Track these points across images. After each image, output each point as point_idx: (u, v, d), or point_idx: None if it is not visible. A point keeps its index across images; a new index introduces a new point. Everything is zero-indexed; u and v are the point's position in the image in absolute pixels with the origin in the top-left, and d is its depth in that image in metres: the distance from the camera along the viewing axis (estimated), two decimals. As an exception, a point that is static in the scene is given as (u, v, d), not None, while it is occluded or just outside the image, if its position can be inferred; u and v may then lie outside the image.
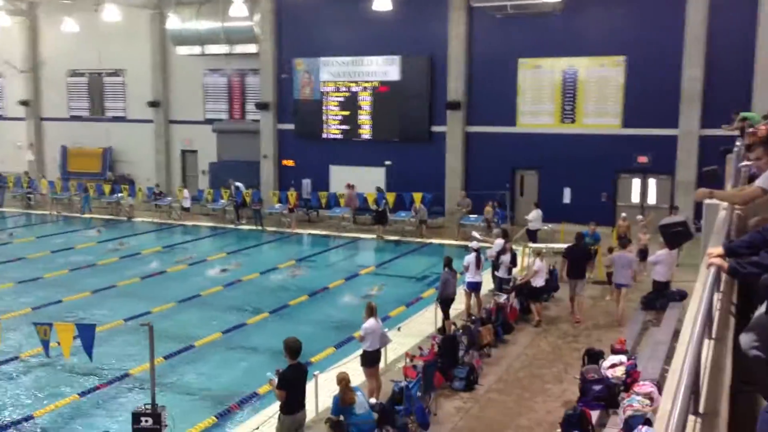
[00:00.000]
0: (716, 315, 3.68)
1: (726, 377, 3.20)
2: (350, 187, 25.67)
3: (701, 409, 2.74)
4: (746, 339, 3.58)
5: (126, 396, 11.90)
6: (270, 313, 16.06)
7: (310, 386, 9.61)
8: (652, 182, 23.39)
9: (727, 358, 3.34)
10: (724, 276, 3.97)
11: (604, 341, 12.99)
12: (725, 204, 6.00)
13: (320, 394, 10.28)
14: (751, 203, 5.62)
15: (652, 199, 23.34)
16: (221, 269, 20.42)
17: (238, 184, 26.98)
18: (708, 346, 3.07)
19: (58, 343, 9.28)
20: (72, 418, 11.20)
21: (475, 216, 23.59)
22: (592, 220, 18.85)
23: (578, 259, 15.49)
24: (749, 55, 20.88)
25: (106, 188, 29.33)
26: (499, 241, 16.25)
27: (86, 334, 8.88)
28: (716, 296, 3.76)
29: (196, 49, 29.20)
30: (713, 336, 3.48)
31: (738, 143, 9.83)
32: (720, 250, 3.68)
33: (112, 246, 23.15)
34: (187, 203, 27.38)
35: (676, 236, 6.52)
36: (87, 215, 28.44)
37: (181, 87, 31.04)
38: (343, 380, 9.62)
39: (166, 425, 8.70)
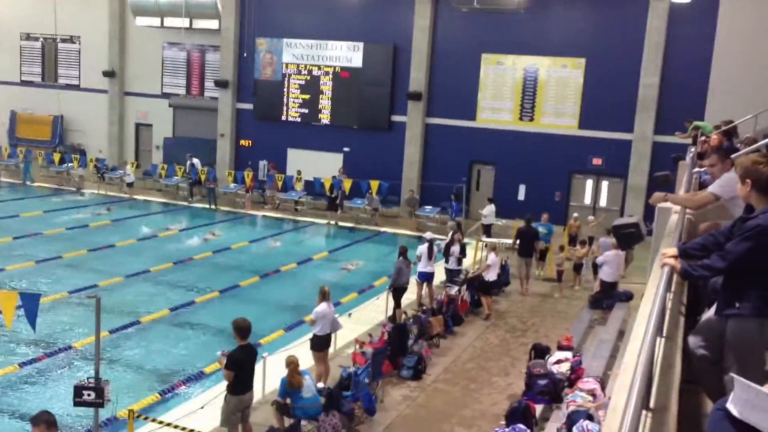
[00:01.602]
0: (667, 314, 3.78)
1: (675, 375, 3.30)
2: (273, 166, 26.11)
3: (652, 405, 2.82)
4: (694, 340, 3.70)
5: (69, 369, 11.68)
6: (220, 293, 15.92)
7: (258, 368, 9.57)
8: (604, 184, 23.84)
9: (677, 356, 3.45)
10: (675, 277, 4.09)
11: (551, 337, 13.24)
12: (677, 208, 6.16)
13: (268, 376, 10.24)
14: (703, 208, 5.79)
15: (603, 201, 23.80)
16: (203, 238, 20.61)
17: (195, 160, 26.62)
18: (659, 344, 3.16)
19: (0, 312, 9.04)
20: (12, 388, 10.94)
21: (431, 207, 23.74)
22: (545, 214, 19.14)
23: (528, 239, 17.45)
24: (705, 66, 21.40)
25: (56, 157, 28.58)
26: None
27: (30, 303, 8.65)
28: (668, 296, 3.87)
29: (156, 21, 28.59)
30: (664, 334, 3.58)
31: (691, 151, 10.09)
32: (674, 251, 3.79)
33: (59, 217, 22.60)
34: (130, 179, 26.75)
35: (628, 237, 6.68)
36: (30, 183, 27.62)
37: (138, 59, 30.37)
38: (291, 363, 9.62)
39: (108, 400, 8.56)
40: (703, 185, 7.59)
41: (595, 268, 16.21)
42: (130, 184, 26.69)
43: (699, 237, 4.12)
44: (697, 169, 7.94)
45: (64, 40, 31.66)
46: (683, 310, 4.17)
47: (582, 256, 17.45)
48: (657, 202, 6.37)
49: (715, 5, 21.02)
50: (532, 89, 24.04)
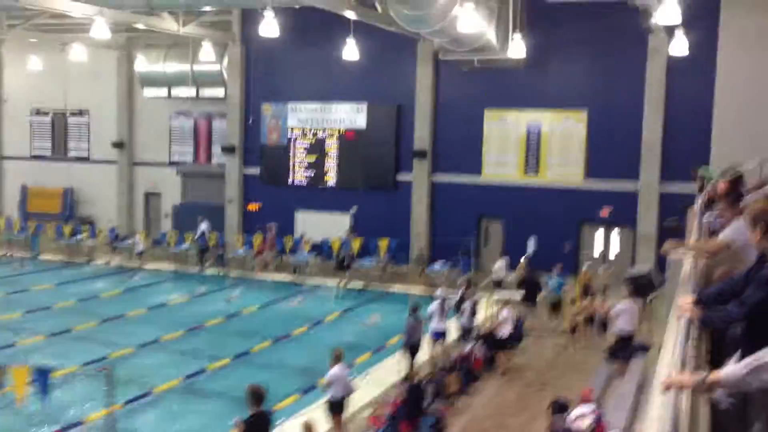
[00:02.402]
0: (689, 365, 3.72)
1: (702, 428, 3.22)
2: (270, 229, 25.91)
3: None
4: (718, 392, 3.62)
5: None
6: (232, 359, 15.79)
7: (273, 435, 9.42)
8: (614, 234, 23.76)
9: (703, 408, 3.37)
10: (693, 326, 4.03)
11: (570, 390, 12.99)
12: (689, 256, 6.13)
13: (284, 443, 10.07)
14: (717, 255, 5.75)
15: (615, 250, 23.67)
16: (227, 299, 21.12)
17: (205, 224, 26.76)
18: (684, 396, 3.09)
19: (13, 387, 8.98)
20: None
21: (441, 263, 23.67)
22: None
23: (531, 286, 18.24)
24: (707, 113, 21.55)
25: (66, 229, 28.78)
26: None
27: (42, 377, 8.61)
28: (688, 345, 3.81)
29: (163, 92, 29.14)
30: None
31: (699, 199, 10.10)
32: (691, 298, 3.75)
33: (70, 290, 22.62)
34: (139, 248, 26.83)
35: (642, 287, 6.64)
36: (36, 256, 27.70)
37: (146, 129, 30.86)
38: (308, 428, 9.48)
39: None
40: (715, 233, 7.56)
41: (604, 324, 16.21)
42: (140, 254, 26.77)
43: (715, 284, 4.08)
44: (706, 218, 7.92)
45: (73, 114, 32.24)
46: (705, 359, 4.10)
47: (594, 310, 17.11)
48: (668, 252, 6.35)
49: (713, 55, 21.28)
50: (536, 143, 24.23)
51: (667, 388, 2.65)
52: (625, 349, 14.57)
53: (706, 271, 6.00)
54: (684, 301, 3.68)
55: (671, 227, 11.64)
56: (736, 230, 5.12)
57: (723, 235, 5.59)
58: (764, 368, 2.37)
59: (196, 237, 26.52)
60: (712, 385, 2.59)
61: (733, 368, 2.52)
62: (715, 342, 4.23)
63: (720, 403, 3.46)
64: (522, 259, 20.31)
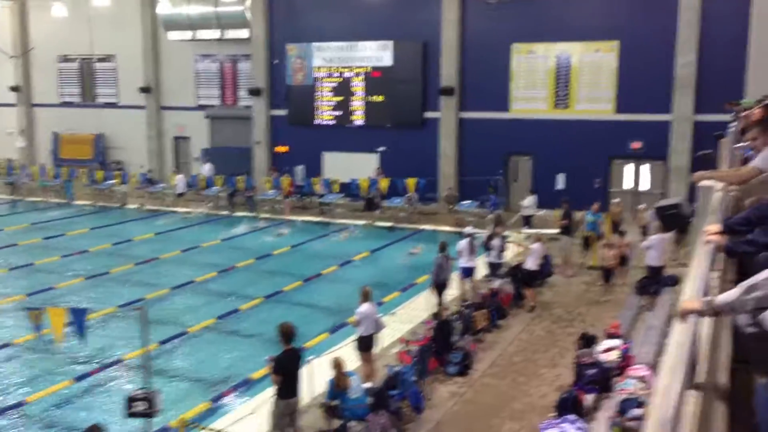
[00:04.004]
0: (715, 292, 3.67)
1: (723, 353, 3.19)
2: (275, 170, 26.70)
3: (699, 384, 2.73)
4: (742, 317, 3.57)
5: (119, 381, 11.88)
6: (264, 299, 16.05)
7: (305, 371, 9.61)
8: (645, 168, 23.39)
9: (724, 334, 3.34)
10: (721, 254, 3.96)
11: (597, 326, 13.01)
12: (720, 185, 5.99)
13: (315, 379, 10.27)
14: (747, 183, 5.61)
15: (645, 184, 23.33)
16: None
17: (207, 165, 27.61)
18: (705, 323, 3.06)
19: (51, 329, 9.24)
20: (65, 403, 11.18)
21: (469, 201, 23.59)
22: (587, 204, 18.85)
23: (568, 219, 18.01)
24: (742, 41, 20.83)
25: (99, 175, 29.15)
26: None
27: (78, 318, 8.83)
28: (714, 274, 3.75)
29: (188, 35, 28.98)
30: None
31: (731, 126, 9.82)
32: (717, 227, 3.67)
33: (105, 233, 23.03)
34: (181, 188, 27.27)
35: (671, 218, 6.51)
36: (71, 201, 28.20)
37: (172, 73, 30.82)
38: (337, 365, 9.64)
39: (160, 410, 8.69)
40: (747, 161, 7.36)
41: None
42: (180, 194, 27.14)
43: (743, 212, 3.98)
44: (738, 145, 7.71)
45: (100, 60, 32.28)
46: (731, 287, 4.03)
47: (622, 251, 16.84)
48: (699, 181, 6.20)
49: (750, -23, 20.47)
50: (565, 76, 23.72)
51: (683, 314, 2.62)
52: (654, 283, 14.50)
53: (737, 201, 5.87)
54: (710, 230, 3.60)
55: (704, 158, 11.35)
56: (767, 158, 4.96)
57: (755, 161, 5.43)
58: (757, 287, 2.34)
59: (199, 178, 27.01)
60: (716, 308, 2.56)
61: (732, 290, 2.49)
62: (743, 269, 4.15)
63: (744, 328, 3.41)
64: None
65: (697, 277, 3.09)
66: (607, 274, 16.15)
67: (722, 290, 3.51)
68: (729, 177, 5.74)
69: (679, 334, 2.54)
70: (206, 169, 28.12)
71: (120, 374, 12.17)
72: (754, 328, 3.42)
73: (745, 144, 7.11)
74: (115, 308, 14.99)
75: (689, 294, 2.89)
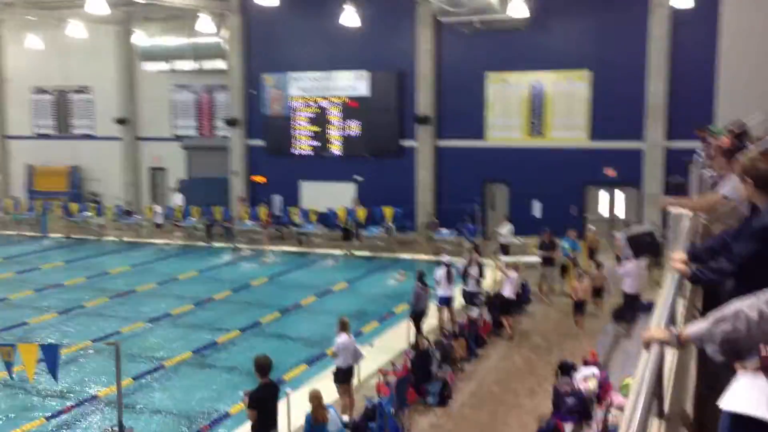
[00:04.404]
0: (681, 319, 3.71)
1: (691, 381, 3.22)
2: (242, 200, 26.81)
3: (665, 412, 2.75)
4: (711, 346, 3.61)
5: (93, 418, 11.67)
6: (241, 331, 15.90)
7: (282, 404, 9.51)
8: (620, 195, 23.65)
9: (692, 362, 3.36)
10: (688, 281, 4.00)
11: (576, 354, 13.04)
12: (690, 213, 6.08)
13: (293, 413, 10.15)
14: (715, 211, 5.70)
15: (620, 211, 23.57)
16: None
17: (178, 199, 27.86)
18: (673, 352, 3.08)
19: (22, 365, 9.07)
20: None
21: (447, 230, 23.65)
22: (563, 231, 19.03)
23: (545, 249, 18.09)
24: (711, 69, 21.27)
25: (73, 207, 28.87)
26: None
27: (50, 354, 8.69)
28: (681, 301, 3.79)
29: (164, 65, 28.98)
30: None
31: (700, 153, 10.01)
32: (683, 255, 3.72)
33: (80, 266, 22.76)
34: (159, 219, 27.10)
35: (642, 246, 6.59)
36: (46, 235, 27.89)
37: (148, 104, 30.75)
38: (315, 398, 9.55)
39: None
40: (715, 186, 7.50)
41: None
42: (159, 225, 27.04)
43: (708, 239, 4.04)
44: (705, 171, 7.85)
45: (75, 91, 32.14)
46: (697, 315, 4.08)
47: (598, 281, 16.48)
48: (664, 206, 6.30)
49: (716, 7, 20.94)
50: (539, 105, 24.02)
51: (647, 343, 2.64)
52: (631, 310, 14.60)
53: (706, 228, 5.96)
54: (676, 257, 3.65)
55: (675, 185, 11.53)
56: (734, 185, 5.05)
57: (720, 190, 5.53)
58: (724, 319, 2.37)
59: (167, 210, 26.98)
60: (683, 340, 2.58)
61: (700, 322, 2.52)
62: (710, 297, 4.20)
63: (714, 357, 3.44)
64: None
65: (664, 305, 3.13)
66: (579, 306, 15.60)
67: (689, 317, 3.55)
68: (696, 205, 5.83)
69: (646, 362, 2.56)
70: (177, 199, 28.05)
71: (94, 411, 11.95)
72: (722, 353, 3.45)
73: (713, 172, 7.24)
74: (88, 343, 14.76)
75: (655, 322, 2.92)
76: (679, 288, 3.57)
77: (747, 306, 2.33)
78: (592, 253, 19.21)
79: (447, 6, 21.13)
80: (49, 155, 32.44)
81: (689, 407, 2.99)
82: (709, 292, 4.22)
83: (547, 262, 18.20)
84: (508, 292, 15.42)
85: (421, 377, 11.81)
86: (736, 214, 5.35)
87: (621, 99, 22.61)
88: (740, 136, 11.65)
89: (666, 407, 2.76)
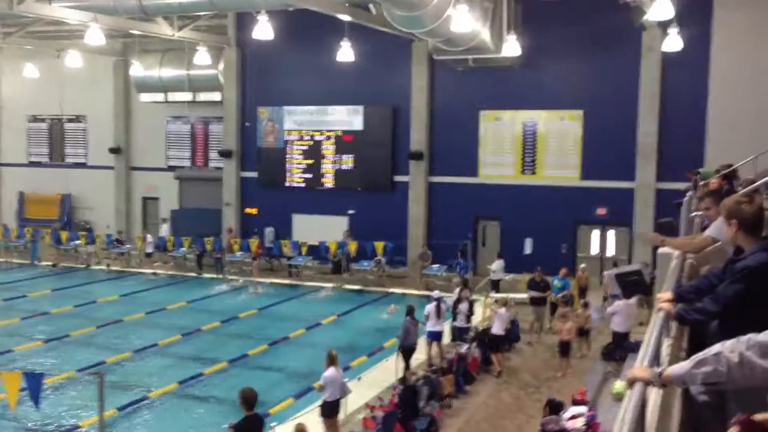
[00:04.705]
0: (666, 360, 3.71)
1: (674, 423, 3.21)
2: (230, 231, 26.88)
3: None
4: (695, 386, 3.62)
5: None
6: (229, 363, 15.76)
7: (266, 438, 9.40)
8: (611, 234, 23.75)
9: (676, 403, 3.36)
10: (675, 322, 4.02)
11: (565, 392, 12.97)
12: (677, 252, 6.11)
13: (277, 447, 10.04)
14: (703, 252, 5.74)
15: (611, 250, 23.64)
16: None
17: (164, 226, 28.04)
18: (656, 392, 3.09)
19: (5, 394, 8.97)
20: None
21: (438, 265, 23.64)
22: (554, 269, 19.07)
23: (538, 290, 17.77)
24: (702, 111, 21.56)
25: (63, 235, 28.75)
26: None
27: (34, 383, 8.60)
28: (667, 341, 3.80)
29: (160, 97, 29.16)
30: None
31: (689, 194, 10.10)
32: (669, 295, 3.74)
33: (68, 295, 22.60)
34: (150, 248, 27.04)
35: (631, 285, 6.63)
36: (37, 263, 27.74)
37: (143, 134, 30.87)
38: (300, 431, 9.45)
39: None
40: (704, 229, 7.55)
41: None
42: (148, 254, 26.99)
43: (694, 280, 4.07)
44: (695, 213, 7.91)
45: (70, 120, 32.26)
46: (683, 355, 4.09)
47: (582, 322, 16.19)
48: (654, 243, 6.35)
49: (707, 51, 21.30)
50: (532, 143, 24.22)
51: (630, 382, 2.65)
52: (621, 349, 14.56)
53: (693, 268, 5.99)
54: (662, 297, 3.67)
55: (665, 225, 11.59)
56: (721, 226, 5.09)
57: (709, 231, 5.58)
58: (706, 362, 2.38)
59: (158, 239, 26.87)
60: (665, 380, 2.59)
61: (682, 363, 2.53)
62: (696, 337, 4.22)
63: (697, 397, 3.45)
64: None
65: (648, 345, 3.14)
66: (564, 347, 15.23)
67: (674, 357, 3.56)
68: (683, 246, 5.87)
69: (629, 402, 2.56)
70: (163, 229, 27.99)
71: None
72: (706, 396, 3.46)
73: (700, 213, 7.30)
74: (72, 372, 14.60)
75: (639, 361, 2.93)
76: (664, 328, 3.58)
77: (728, 349, 2.35)
78: (582, 292, 19.22)
79: (442, 44, 21.37)
80: (42, 183, 32.44)
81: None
82: (695, 332, 4.23)
83: (538, 302, 17.95)
84: (497, 329, 15.38)
85: (409, 413, 11.70)
86: (723, 255, 5.39)
87: (613, 139, 22.83)
88: (729, 178, 11.78)
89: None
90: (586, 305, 16.57)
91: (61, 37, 28.08)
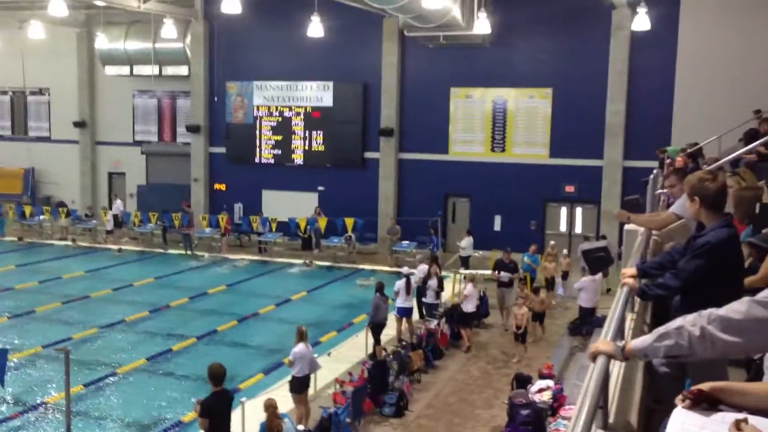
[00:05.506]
0: (629, 333, 3.79)
1: (636, 394, 3.29)
2: (187, 206, 26.44)
3: (611, 422, 2.81)
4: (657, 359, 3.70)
5: (41, 425, 11.41)
6: (197, 339, 15.72)
7: (237, 413, 9.43)
8: (578, 211, 24.03)
9: (638, 375, 3.44)
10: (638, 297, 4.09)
11: (533, 366, 13.18)
12: (642, 229, 6.22)
13: (248, 422, 10.06)
14: (667, 228, 5.85)
15: (579, 227, 23.94)
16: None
17: (118, 201, 27.73)
18: (619, 364, 3.16)
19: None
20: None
21: (407, 242, 23.73)
22: (524, 246, 19.29)
23: (506, 270, 17.11)
24: (669, 91, 21.81)
25: (27, 210, 28.26)
26: (422, 267, 16.54)
27: (-1, 360, 8.50)
28: (630, 316, 3.88)
29: (125, 70, 28.62)
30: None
31: (654, 172, 10.27)
32: (633, 270, 3.81)
33: (33, 270, 22.28)
34: (109, 226, 26.67)
35: (597, 261, 6.72)
36: (7, 238, 27.32)
37: (109, 108, 30.32)
38: (270, 407, 9.50)
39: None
40: (671, 206, 7.68)
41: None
42: (109, 232, 26.61)
43: (658, 256, 4.15)
44: (660, 191, 8.04)
45: (33, 93, 31.56)
46: (646, 329, 4.18)
47: (539, 306, 16.03)
48: (621, 219, 6.46)
49: (675, 31, 21.49)
50: (502, 120, 24.31)
51: (593, 356, 2.71)
52: (587, 324, 14.83)
53: (658, 245, 6.10)
54: (625, 273, 3.74)
55: (632, 203, 11.76)
56: (684, 203, 5.19)
57: (673, 208, 5.68)
58: (668, 335, 2.44)
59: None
60: (628, 354, 2.65)
61: (644, 337, 2.59)
62: (659, 312, 4.31)
63: (658, 368, 3.54)
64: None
65: (612, 319, 3.20)
66: (521, 334, 14.77)
67: (637, 332, 3.64)
68: (648, 222, 5.97)
69: (592, 373, 2.62)
70: (116, 205, 27.55)
71: (43, 418, 11.68)
72: (666, 368, 3.55)
73: (665, 190, 7.42)
74: (38, 348, 14.45)
75: (602, 336, 2.99)
76: (628, 303, 3.65)
77: (690, 323, 2.41)
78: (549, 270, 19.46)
79: (413, 21, 21.27)
80: (4, 157, 31.75)
81: (634, 419, 3.06)
82: (658, 306, 4.32)
83: (506, 284, 17.13)
84: (469, 306, 15.53)
85: (378, 388, 11.81)
86: (687, 231, 5.50)
87: (581, 118, 23.02)
88: (694, 157, 11.98)
89: (611, 418, 2.82)
90: (536, 291, 16.29)
91: (23, 7, 27.31)
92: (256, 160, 27.04)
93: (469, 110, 24.62)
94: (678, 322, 2.52)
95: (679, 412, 2.13)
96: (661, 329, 2.53)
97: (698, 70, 21.22)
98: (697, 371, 3.24)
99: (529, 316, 14.98)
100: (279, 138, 26.67)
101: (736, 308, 2.31)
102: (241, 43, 26.80)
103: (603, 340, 2.82)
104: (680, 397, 2.17)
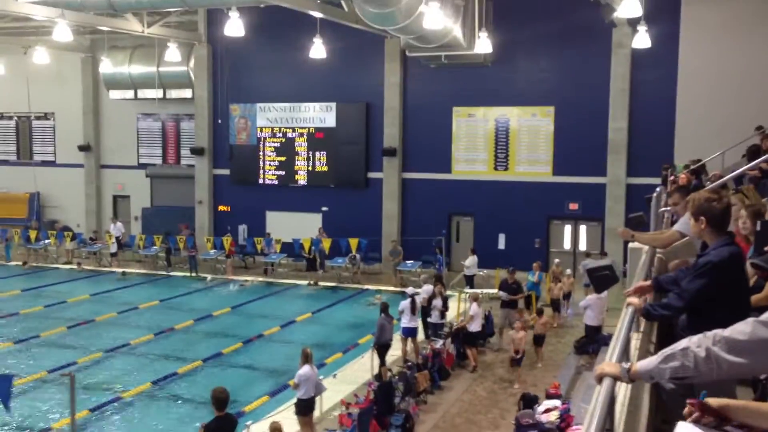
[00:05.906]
0: (635, 353, 3.77)
1: (643, 415, 3.27)
2: (186, 228, 26.57)
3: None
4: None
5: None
6: (203, 361, 15.67)
7: (241, 437, 9.38)
8: (583, 228, 23.99)
9: (645, 395, 3.42)
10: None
11: (539, 386, 13.10)
12: (646, 247, 6.21)
13: (252, 445, 10.01)
14: (671, 246, 5.84)
15: (583, 245, 23.88)
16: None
17: (118, 224, 27.69)
18: (626, 386, 3.14)
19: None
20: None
21: (412, 261, 23.69)
22: (528, 264, 19.24)
23: (509, 291, 16.82)
24: (671, 107, 21.85)
25: (32, 234, 28.32)
26: (427, 287, 16.46)
27: (3, 385, 8.48)
28: (636, 336, 3.86)
29: (129, 94, 28.82)
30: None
31: (657, 189, 10.27)
32: (648, 283, 3.78)
33: (34, 295, 22.28)
34: (113, 248, 26.68)
35: (602, 280, 6.69)
36: (8, 263, 27.35)
37: (113, 131, 30.50)
38: (275, 430, 9.45)
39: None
40: (675, 223, 7.67)
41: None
42: (113, 254, 26.62)
43: (673, 272, 4.13)
44: (663, 208, 8.03)
45: (38, 117, 31.77)
46: (652, 349, 4.16)
47: (541, 329, 15.62)
48: (624, 237, 6.44)
49: (675, 48, 21.57)
50: (504, 139, 24.36)
51: (599, 378, 2.69)
52: (593, 342, 14.74)
53: (662, 262, 6.08)
54: (630, 292, 3.73)
55: (636, 220, 11.74)
56: (688, 221, 5.18)
57: (677, 226, 5.67)
58: (674, 357, 2.43)
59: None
60: (633, 375, 2.64)
61: (650, 359, 2.57)
62: (666, 331, 4.29)
63: (665, 384, 3.51)
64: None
65: (618, 340, 3.18)
66: (519, 359, 14.35)
67: (643, 352, 3.61)
68: (652, 241, 5.96)
69: (598, 396, 2.60)
70: (116, 228, 27.50)
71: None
72: (673, 384, 3.52)
73: (669, 208, 7.42)
74: (43, 373, 14.41)
75: (607, 357, 2.97)
76: (633, 322, 3.63)
77: (695, 344, 2.40)
78: (556, 279, 19.35)
79: (414, 41, 21.38)
80: (10, 182, 31.89)
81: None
82: (664, 326, 4.30)
83: (510, 304, 16.80)
84: (475, 326, 15.47)
85: (384, 409, 11.73)
86: (691, 249, 5.49)
87: (584, 135, 23.06)
88: (697, 174, 11.97)
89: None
90: (540, 312, 16.00)
91: (28, 33, 27.62)
92: (260, 181, 27.12)
93: (472, 129, 24.69)
94: (683, 343, 2.51)
95: (683, 426, 2.11)
96: (666, 351, 2.52)
97: (699, 86, 21.28)
98: (706, 390, 3.22)
99: (528, 338, 14.80)
100: (282, 159, 26.76)
101: (741, 329, 2.31)
102: (244, 66, 26.98)
103: (608, 362, 2.80)
104: (687, 410, 2.16)
